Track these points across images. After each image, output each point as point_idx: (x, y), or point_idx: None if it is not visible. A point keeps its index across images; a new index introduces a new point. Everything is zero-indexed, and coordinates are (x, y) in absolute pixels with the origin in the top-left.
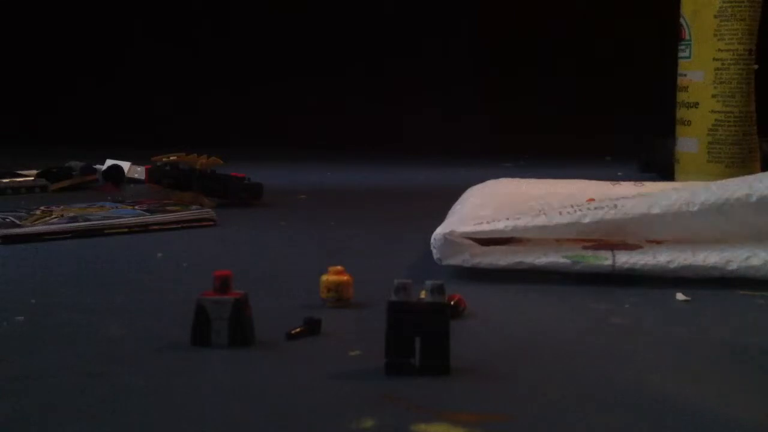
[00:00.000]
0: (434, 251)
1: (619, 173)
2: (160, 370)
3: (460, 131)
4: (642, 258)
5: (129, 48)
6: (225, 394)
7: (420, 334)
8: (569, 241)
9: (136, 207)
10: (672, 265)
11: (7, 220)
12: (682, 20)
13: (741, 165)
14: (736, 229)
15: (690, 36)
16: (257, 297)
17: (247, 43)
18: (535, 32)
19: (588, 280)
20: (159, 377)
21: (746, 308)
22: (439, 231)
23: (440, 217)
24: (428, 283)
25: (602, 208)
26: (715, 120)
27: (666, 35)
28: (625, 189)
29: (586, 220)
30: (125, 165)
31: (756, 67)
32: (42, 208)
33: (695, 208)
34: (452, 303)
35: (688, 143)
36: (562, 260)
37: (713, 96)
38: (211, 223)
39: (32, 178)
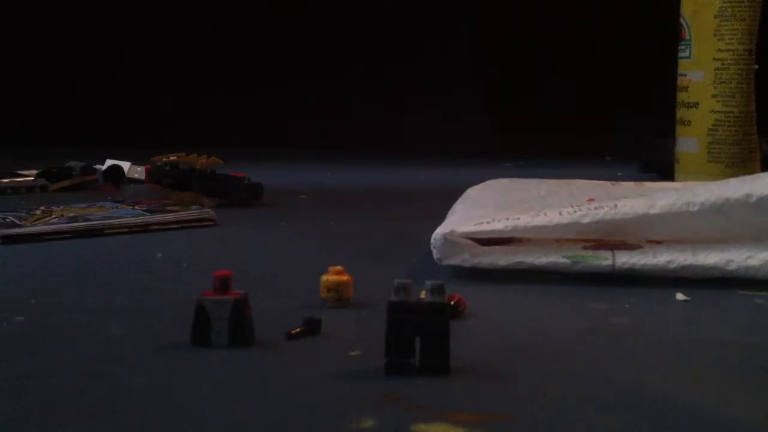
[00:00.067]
0: (434, 251)
1: (619, 173)
2: (160, 370)
3: (460, 131)
4: (642, 258)
5: (129, 48)
6: (225, 394)
7: (420, 334)
8: (569, 241)
9: (136, 207)
10: (672, 265)
11: (7, 220)
12: (682, 20)
13: (741, 165)
14: (736, 229)
15: (690, 36)
16: (257, 297)
17: (247, 43)
18: (535, 32)
19: (588, 280)
20: (159, 377)
21: (746, 308)
22: (439, 231)
23: (440, 217)
24: (428, 283)
25: (602, 208)
26: (715, 120)
27: (666, 35)
28: (625, 189)
29: (586, 220)
30: (125, 165)
31: (756, 67)
32: (42, 208)
33: (695, 208)
34: (452, 303)
35: (688, 143)
36: (562, 260)
37: (713, 96)
38: (211, 223)
39: (32, 178)
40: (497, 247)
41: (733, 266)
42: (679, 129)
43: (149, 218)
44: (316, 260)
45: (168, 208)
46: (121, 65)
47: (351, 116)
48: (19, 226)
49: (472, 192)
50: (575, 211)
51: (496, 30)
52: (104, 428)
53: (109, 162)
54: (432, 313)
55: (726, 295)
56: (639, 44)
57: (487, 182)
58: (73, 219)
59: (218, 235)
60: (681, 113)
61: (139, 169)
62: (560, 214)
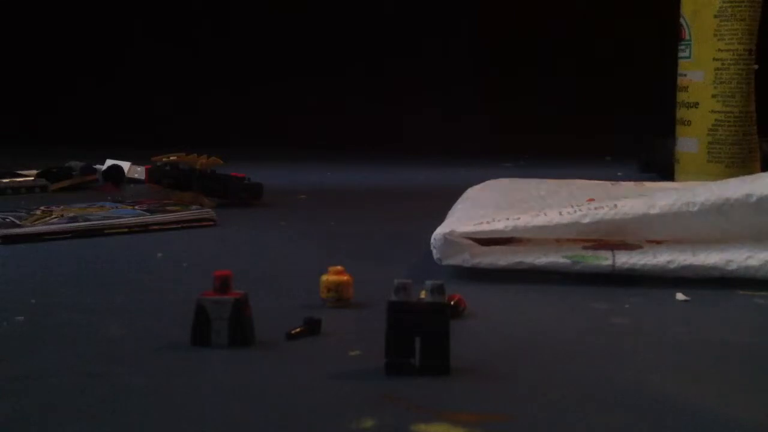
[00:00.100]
0: (434, 251)
1: (619, 173)
2: (160, 370)
3: (460, 131)
4: (642, 258)
5: (129, 48)
6: (225, 394)
7: (420, 334)
8: (569, 241)
9: (136, 207)
10: (672, 265)
11: (7, 220)
12: (682, 20)
13: (741, 165)
14: (736, 229)
15: (690, 36)
16: (257, 297)
17: (247, 43)
18: (535, 32)
19: (588, 280)
20: (159, 377)
21: (746, 308)
22: (439, 231)
23: (440, 217)
24: (428, 283)
25: (602, 208)
26: (715, 120)
27: (666, 35)
28: (625, 189)
29: (586, 220)
30: (125, 165)
31: (756, 67)
32: (42, 208)
33: (695, 208)
34: (452, 303)
35: (688, 143)
36: (562, 260)
37: (713, 96)
38: (211, 223)
39: (32, 178)
40: (497, 247)
41: (733, 266)
42: (679, 129)
43: (149, 218)
44: (316, 260)
45: (168, 208)
46: (121, 65)
47: (351, 116)
48: (19, 226)
49: (472, 192)
50: (575, 211)
51: (496, 30)
52: (104, 428)
53: (109, 162)
54: (432, 313)
55: (726, 295)
56: (639, 44)
57: (487, 182)
58: (73, 219)
59: (218, 235)
60: (681, 113)
61: (139, 169)
62: (560, 214)
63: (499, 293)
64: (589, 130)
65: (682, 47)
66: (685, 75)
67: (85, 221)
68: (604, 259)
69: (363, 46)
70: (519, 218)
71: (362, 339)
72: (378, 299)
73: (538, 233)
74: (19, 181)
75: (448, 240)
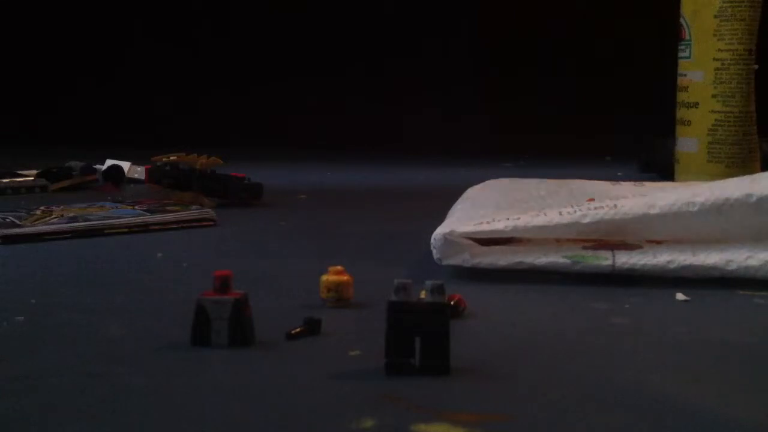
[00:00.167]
0: (434, 251)
1: (619, 173)
2: (160, 370)
3: (460, 131)
4: (642, 258)
5: (129, 48)
6: (225, 394)
7: (420, 334)
8: (569, 241)
9: (136, 207)
10: (672, 265)
11: (7, 220)
12: (682, 20)
13: (741, 165)
14: (736, 229)
15: (690, 36)
16: (257, 297)
17: (247, 43)
18: (535, 32)
19: (588, 280)
20: (159, 377)
21: (746, 308)
22: (439, 231)
23: (440, 217)
24: (428, 283)
25: (602, 208)
26: (715, 120)
27: (666, 35)
28: (625, 189)
29: (586, 220)
30: (125, 165)
31: (756, 67)
32: (42, 208)
33: (695, 208)
34: (452, 303)
35: (688, 143)
36: (562, 260)
37: (713, 96)
38: (211, 223)
39: (32, 178)
40: (497, 247)
41: (733, 266)
42: (679, 129)
43: (149, 218)
44: (316, 260)
45: (168, 208)
46: (121, 65)
47: (351, 116)
48: (19, 226)
49: (472, 192)
50: (575, 211)
51: (496, 30)
52: (104, 428)
53: (109, 162)
54: (432, 313)
55: (726, 295)
56: (639, 44)
57: (487, 182)
58: (73, 219)
59: (218, 235)
60: (681, 113)
61: (139, 169)
62: (560, 214)
63: (499, 293)
64: (589, 130)
65: (682, 47)
66: (685, 75)
67: (85, 221)
68: (604, 259)
69: (363, 46)
70: (519, 218)
71: (362, 339)
72: (378, 299)
73: (538, 233)
74: (19, 181)
75: (448, 240)
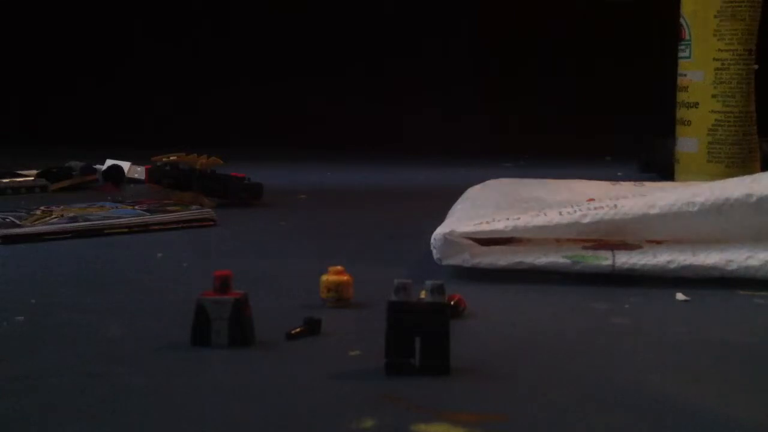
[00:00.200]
0: (434, 251)
1: (619, 173)
2: (160, 370)
3: (460, 131)
4: (642, 258)
5: (129, 48)
6: (225, 394)
7: (420, 334)
8: (569, 241)
9: (136, 207)
10: (672, 265)
11: (7, 220)
12: (682, 20)
13: (741, 165)
14: (736, 229)
15: (690, 36)
16: (257, 297)
17: (247, 43)
18: (535, 32)
19: (588, 280)
20: (159, 377)
21: (746, 308)
22: (439, 231)
23: (440, 217)
24: (428, 283)
25: (602, 208)
26: (715, 120)
27: (666, 35)
28: (625, 189)
29: (586, 220)
30: (125, 165)
31: (756, 67)
32: (42, 208)
33: (695, 208)
34: (452, 303)
35: (688, 143)
36: (562, 260)
37: (713, 96)
38: (211, 223)
39: (32, 178)
40: (497, 247)
41: (733, 266)
42: (679, 129)
43: (149, 218)
44: (316, 260)
45: (168, 208)
46: (121, 65)
47: (351, 116)
48: (19, 226)
49: (472, 192)
50: (575, 211)
51: (496, 30)
52: (104, 428)
53: (109, 162)
54: (432, 313)
55: (726, 295)
56: (639, 44)
57: (487, 182)
58: (73, 219)
59: (218, 235)
60: (681, 113)
61: (139, 169)
62: (560, 214)
63: (499, 293)
64: (589, 130)
65: (682, 47)
66: (685, 75)
67: (85, 221)
68: (604, 259)
69: (363, 46)
70: (519, 218)
71: (362, 339)
72: (378, 299)
73: (538, 233)
74: (19, 181)
75: (448, 240)
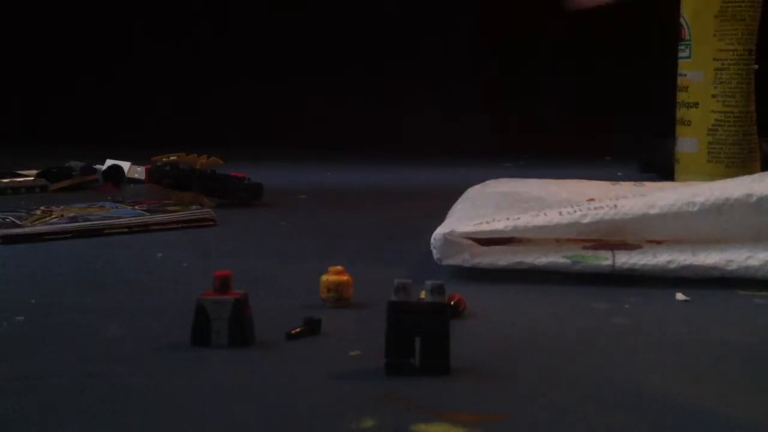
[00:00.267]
0: (434, 251)
1: (619, 173)
2: (160, 370)
3: (460, 131)
4: (642, 258)
5: (129, 48)
6: (225, 394)
7: (420, 334)
8: (569, 241)
9: (136, 207)
10: (672, 265)
11: (7, 220)
12: (682, 20)
13: (741, 165)
14: (736, 229)
15: (690, 36)
16: (257, 297)
17: (247, 43)
18: (535, 32)
19: (588, 280)
20: (159, 377)
21: (746, 308)
22: (439, 231)
23: (440, 217)
24: (428, 283)
25: (602, 208)
26: (715, 120)
27: (666, 35)
28: (625, 189)
29: (586, 220)
30: (125, 165)
31: (756, 67)
32: (42, 208)
33: (695, 208)
34: (452, 303)
35: (688, 143)
36: (562, 260)
37: (713, 96)
38: (211, 223)
39: (32, 178)
40: (497, 247)
41: (733, 266)
42: (679, 129)
43: (149, 218)
44: (316, 260)
45: (168, 208)
46: (121, 65)
47: (351, 116)
48: (19, 226)
49: (472, 192)
50: (575, 211)
51: (496, 30)
52: (104, 428)
53: (109, 162)
54: (432, 313)
55: (726, 295)
56: (639, 44)
57: (487, 182)
58: (73, 219)
59: (218, 235)
60: (681, 113)
61: (139, 169)
62: (560, 214)
63: (499, 293)
64: (589, 130)
65: (682, 47)
66: (685, 75)
67: (85, 221)
68: (604, 259)
69: (363, 46)
70: (519, 218)
71: (362, 339)
72: (378, 299)
73: (538, 233)
74: (19, 181)
75: (448, 240)
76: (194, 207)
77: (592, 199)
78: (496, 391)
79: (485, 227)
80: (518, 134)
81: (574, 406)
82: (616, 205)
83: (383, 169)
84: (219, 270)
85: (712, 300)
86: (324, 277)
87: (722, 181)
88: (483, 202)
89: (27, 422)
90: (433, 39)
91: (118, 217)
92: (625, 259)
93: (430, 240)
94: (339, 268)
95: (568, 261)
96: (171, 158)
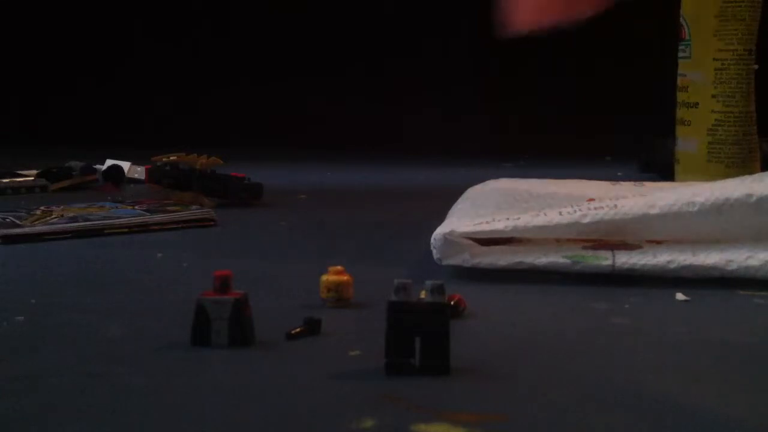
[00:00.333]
0: (434, 251)
1: (619, 173)
2: (160, 370)
3: (460, 131)
4: (642, 258)
5: (129, 48)
6: (225, 394)
7: (420, 334)
8: (569, 241)
9: (136, 207)
10: (672, 265)
11: (7, 220)
12: (682, 20)
13: (741, 165)
14: (736, 229)
15: (690, 36)
16: (257, 297)
17: (247, 43)
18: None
19: (588, 280)
20: (159, 377)
21: (746, 308)
22: (439, 231)
23: (440, 217)
24: (428, 283)
25: (602, 208)
26: (715, 120)
27: (666, 35)
28: (625, 189)
29: (586, 220)
30: (125, 165)
31: (756, 67)
32: (42, 208)
33: (695, 208)
34: (452, 303)
35: (688, 143)
36: (562, 260)
37: (713, 96)
38: (211, 223)
39: (32, 178)
40: (497, 247)
41: (733, 266)
42: (679, 129)
43: (149, 218)
44: (316, 260)
45: (168, 208)
46: (121, 65)
47: (351, 116)
48: (19, 226)
49: (472, 192)
50: (575, 211)
51: (496, 30)
52: (104, 428)
53: (109, 162)
54: (432, 313)
55: (726, 295)
56: (639, 44)
57: (487, 182)
58: (73, 219)
59: (218, 235)
60: (681, 113)
61: (139, 169)
62: (560, 214)
63: (499, 293)
64: (589, 130)
65: (682, 47)
66: (685, 75)
67: (85, 221)
68: (604, 259)
69: (363, 46)
70: (519, 218)
71: (362, 339)
72: (378, 299)
73: (538, 233)
74: (19, 181)
75: (448, 240)
76: (194, 207)
77: (592, 199)
78: (496, 391)
79: (485, 227)
80: (518, 134)
81: (574, 406)
82: (616, 205)
83: (383, 169)
84: (219, 270)
85: (712, 300)
86: (324, 277)
87: (722, 181)
88: (483, 202)
89: (27, 422)
90: (433, 39)
91: (118, 217)
92: (625, 259)
93: (430, 240)
94: (339, 268)
95: (568, 261)
96: (171, 158)
